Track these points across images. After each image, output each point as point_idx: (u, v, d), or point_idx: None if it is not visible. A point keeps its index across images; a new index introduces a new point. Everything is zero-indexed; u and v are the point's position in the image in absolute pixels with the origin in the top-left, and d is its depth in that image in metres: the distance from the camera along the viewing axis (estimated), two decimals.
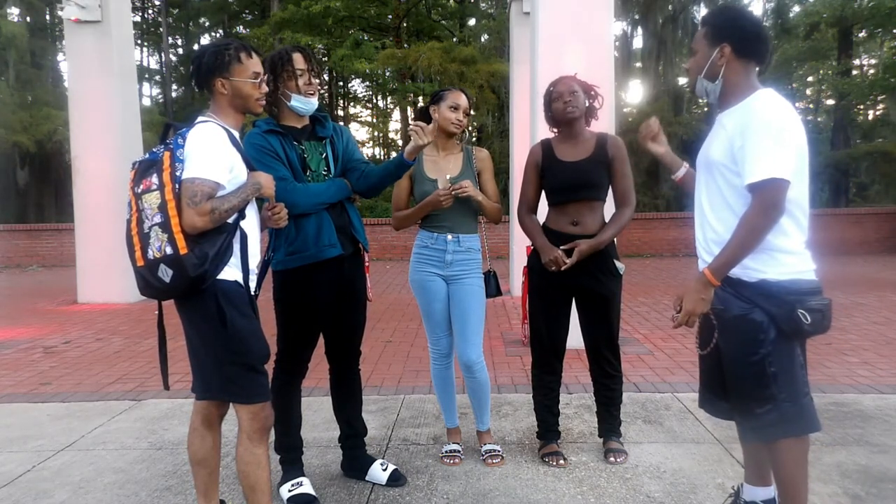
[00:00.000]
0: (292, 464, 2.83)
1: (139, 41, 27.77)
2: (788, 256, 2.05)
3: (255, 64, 2.26)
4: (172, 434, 3.58)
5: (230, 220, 2.17)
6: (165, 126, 2.26)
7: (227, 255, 2.16)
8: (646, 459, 3.12)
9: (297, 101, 2.64)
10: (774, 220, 1.98)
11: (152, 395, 4.30)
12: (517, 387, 4.32)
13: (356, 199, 2.88)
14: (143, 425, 3.74)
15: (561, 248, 2.92)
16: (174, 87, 28.77)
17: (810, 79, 24.30)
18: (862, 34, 19.74)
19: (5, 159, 18.03)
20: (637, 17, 20.09)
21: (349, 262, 2.77)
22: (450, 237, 2.98)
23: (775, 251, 2.05)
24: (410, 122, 2.78)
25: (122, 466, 3.18)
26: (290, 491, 2.72)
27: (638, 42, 21.03)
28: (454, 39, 22.11)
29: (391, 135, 26.40)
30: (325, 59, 19.79)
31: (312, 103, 2.69)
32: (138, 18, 27.92)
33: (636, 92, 22.01)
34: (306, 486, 2.75)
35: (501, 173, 13.82)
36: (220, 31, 28.65)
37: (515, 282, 7.90)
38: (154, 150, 2.18)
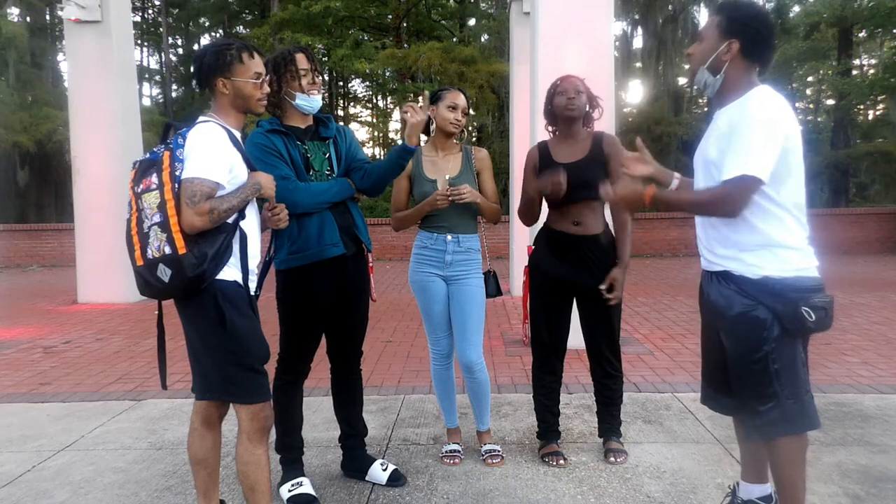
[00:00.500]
0: (292, 464, 2.83)
1: (139, 41, 27.77)
2: (790, 252, 2.05)
3: (256, 64, 2.25)
4: (172, 434, 3.58)
5: (230, 221, 2.17)
6: (166, 126, 2.26)
7: (227, 255, 2.16)
8: (646, 459, 3.12)
9: (301, 100, 2.65)
10: (727, 213, 2.04)
11: (152, 395, 4.30)
12: (517, 387, 4.32)
13: (359, 199, 2.88)
14: (143, 425, 3.74)
15: (601, 287, 2.93)
16: (174, 87, 28.79)
17: (810, 79, 24.30)
18: (862, 34, 19.74)
19: (5, 159, 18.03)
20: (637, 17, 20.10)
21: (352, 261, 2.77)
22: (449, 237, 2.98)
23: (777, 247, 2.05)
24: (402, 104, 2.79)
25: (122, 466, 3.18)
26: (290, 491, 2.72)
27: (638, 42, 21.07)
28: (454, 39, 22.12)
29: (391, 135, 26.39)
30: (325, 59, 19.77)
31: (317, 101, 2.70)
32: (138, 18, 27.93)
33: (636, 92, 22.03)
34: (306, 486, 2.75)
35: (501, 173, 13.83)
36: (220, 31, 28.66)
37: (515, 282, 7.90)
38: (155, 149, 2.18)
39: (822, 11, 17.56)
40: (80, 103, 8.40)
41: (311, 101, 2.67)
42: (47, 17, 23.10)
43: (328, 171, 2.74)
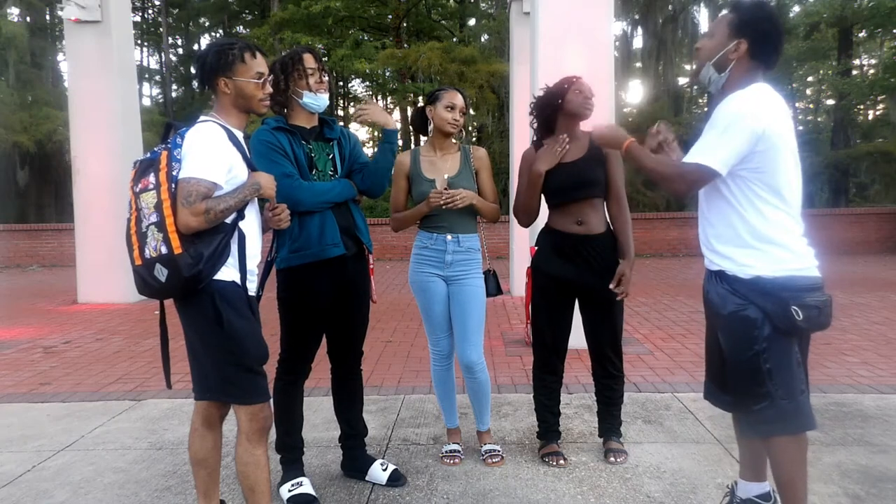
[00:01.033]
0: (292, 464, 2.83)
1: (139, 41, 27.76)
2: (782, 251, 2.06)
3: (258, 64, 2.25)
4: (172, 434, 3.58)
5: (228, 221, 2.17)
6: (167, 125, 2.26)
7: (224, 255, 2.16)
8: (646, 459, 3.12)
9: (308, 98, 2.66)
10: (675, 191, 2.22)
11: (152, 395, 4.30)
12: (517, 387, 4.32)
13: (360, 201, 2.89)
14: (143, 425, 3.74)
15: (611, 285, 2.94)
16: (174, 87, 28.78)
17: (810, 79, 24.31)
18: (862, 34, 19.73)
19: (5, 159, 18.03)
20: (637, 17, 20.10)
21: (353, 262, 2.77)
22: (449, 237, 2.98)
23: (766, 243, 2.07)
24: (356, 112, 2.82)
25: (122, 466, 3.18)
26: (290, 491, 2.72)
27: (638, 42, 21.06)
28: (454, 39, 22.10)
29: None
30: (326, 59, 19.76)
31: (324, 99, 2.72)
32: (138, 18, 27.92)
33: (636, 92, 22.03)
34: (306, 486, 2.75)
35: (501, 173, 13.82)
36: (220, 31, 28.64)
37: (516, 282, 7.90)
38: (155, 149, 2.18)
39: (822, 11, 17.55)
40: (80, 103, 8.40)
41: (318, 99, 2.69)
42: (47, 17, 23.09)
43: (331, 171, 2.75)
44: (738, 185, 2.09)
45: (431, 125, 3.05)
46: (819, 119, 25.78)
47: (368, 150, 25.97)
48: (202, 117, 2.25)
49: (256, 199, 2.30)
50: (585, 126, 3.07)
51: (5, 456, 3.34)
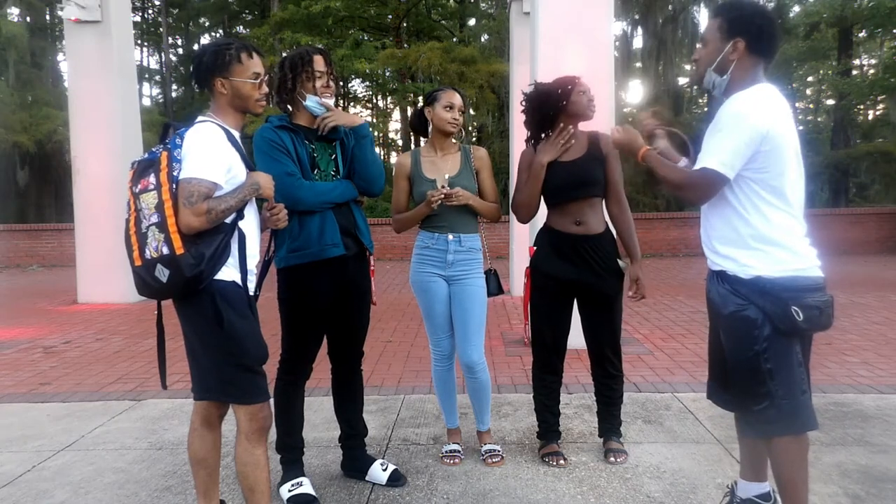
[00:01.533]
0: (292, 464, 2.83)
1: (139, 41, 27.77)
2: (783, 252, 2.06)
3: (255, 64, 2.25)
4: (172, 434, 3.58)
5: (228, 221, 2.17)
6: (165, 126, 2.26)
7: (225, 255, 2.16)
8: (646, 459, 3.12)
9: (311, 102, 2.65)
10: (689, 199, 2.18)
11: (152, 395, 4.30)
12: (517, 387, 4.32)
13: (362, 203, 2.88)
14: (143, 425, 3.74)
15: (629, 293, 3.02)
16: (174, 87, 28.78)
17: (810, 79, 24.32)
18: (862, 34, 19.73)
19: (5, 159, 18.03)
20: (637, 17, 20.08)
21: (353, 262, 2.77)
22: (450, 237, 2.98)
23: (768, 244, 2.07)
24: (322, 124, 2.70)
25: (122, 466, 3.18)
26: (290, 491, 2.72)
27: (638, 42, 21.04)
28: (454, 39, 22.09)
29: (391, 135, 26.40)
30: None
31: (328, 106, 2.70)
32: (138, 18, 27.92)
33: (636, 92, 22.01)
34: (306, 486, 2.75)
35: (501, 173, 13.82)
36: (220, 31, 28.65)
37: (515, 282, 7.90)
38: (153, 149, 2.18)
39: (822, 11, 17.55)
40: (80, 103, 8.40)
41: (321, 104, 2.67)
42: (47, 17, 23.08)
43: (333, 171, 2.75)
44: (741, 187, 2.08)
45: (431, 126, 3.05)
46: (819, 119, 25.78)
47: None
48: (200, 118, 2.26)
49: (254, 198, 2.30)
50: (585, 126, 3.07)
51: (5, 456, 3.34)
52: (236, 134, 2.28)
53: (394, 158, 26.80)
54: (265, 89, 2.30)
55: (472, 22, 24.78)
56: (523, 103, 3.09)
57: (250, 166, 2.31)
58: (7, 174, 18.50)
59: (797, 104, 25.34)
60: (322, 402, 3.91)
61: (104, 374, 4.88)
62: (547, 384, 3.16)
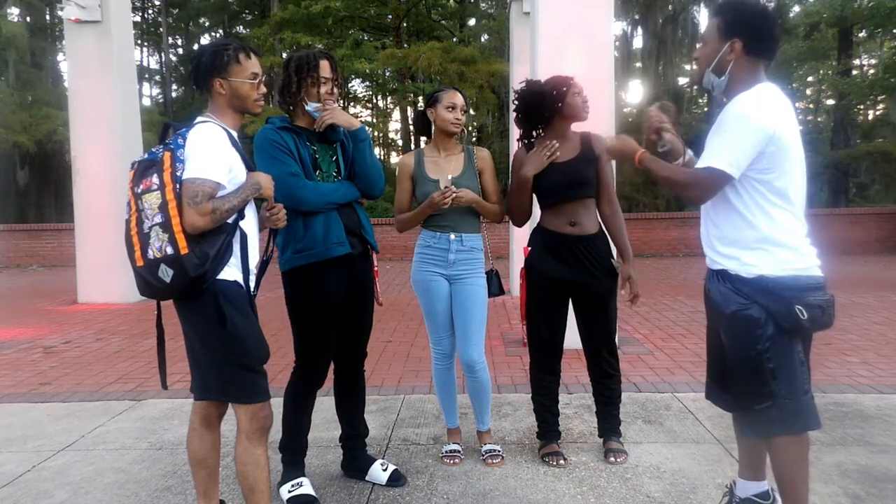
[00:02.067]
0: (294, 464, 2.83)
1: (139, 41, 27.75)
2: (785, 251, 2.06)
3: (253, 64, 2.26)
4: (172, 434, 3.58)
5: (230, 221, 2.17)
6: (164, 126, 2.26)
7: (227, 255, 2.17)
8: (646, 459, 3.12)
9: (313, 108, 2.65)
10: (691, 198, 2.15)
11: (152, 395, 4.30)
12: (517, 387, 4.32)
13: (363, 203, 2.89)
14: (143, 425, 3.74)
15: (621, 292, 3.05)
16: (174, 87, 28.77)
17: (810, 79, 24.31)
18: (862, 34, 19.73)
19: (5, 159, 18.03)
20: (637, 17, 20.09)
21: (359, 261, 2.77)
22: (452, 236, 2.98)
23: (770, 244, 2.06)
24: (317, 124, 2.68)
25: (122, 466, 3.18)
26: (290, 491, 2.72)
27: (638, 42, 21.05)
28: (454, 39, 22.09)
29: (391, 135, 26.39)
30: None
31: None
32: (138, 18, 27.91)
33: (636, 92, 22.02)
34: (306, 487, 2.75)
35: (501, 173, 13.81)
36: (220, 31, 28.64)
37: (515, 282, 7.90)
38: (153, 150, 2.18)
39: (822, 11, 17.55)
40: (80, 103, 8.40)
41: (323, 111, 2.66)
42: (47, 17, 23.08)
43: (335, 173, 2.75)
44: (745, 187, 2.08)
45: (434, 127, 3.05)
46: (819, 119, 25.76)
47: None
48: (200, 118, 2.26)
49: (253, 198, 2.30)
50: (578, 126, 3.07)
51: (5, 456, 3.34)
52: (235, 134, 2.28)
53: (394, 159, 26.80)
54: (263, 89, 2.31)
55: (472, 22, 24.78)
56: (515, 101, 3.09)
57: (250, 166, 2.31)
58: (7, 174, 18.50)
59: (797, 104, 25.31)
60: (322, 402, 3.89)
61: (104, 374, 4.88)
62: (545, 384, 3.16)
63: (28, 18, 22.29)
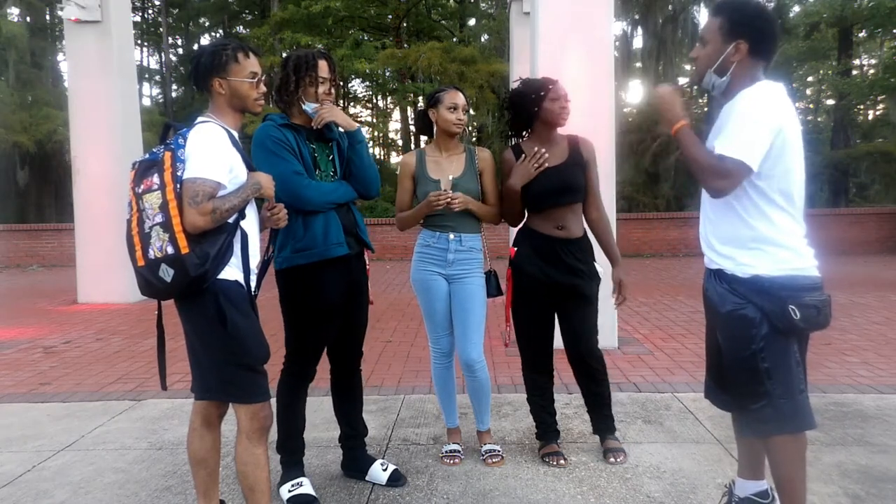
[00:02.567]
0: (292, 464, 2.83)
1: (139, 41, 27.77)
2: (783, 251, 2.06)
3: (252, 64, 2.26)
4: (172, 434, 3.58)
5: (230, 220, 2.17)
6: (165, 126, 2.27)
7: (228, 254, 2.17)
8: (646, 459, 3.12)
9: (310, 108, 2.65)
10: (713, 187, 2.05)
11: (152, 395, 4.30)
12: (517, 387, 4.32)
13: (358, 203, 2.89)
14: (143, 425, 3.74)
15: (613, 296, 3.05)
16: (174, 87, 28.78)
17: (810, 79, 24.32)
18: (862, 34, 19.73)
19: (5, 159, 18.02)
20: (637, 17, 20.07)
21: (355, 261, 2.78)
22: (452, 236, 2.98)
23: (767, 244, 2.06)
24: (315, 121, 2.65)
25: (122, 466, 3.18)
26: (290, 491, 2.72)
27: (638, 42, 21.03)
28: (454, 39, 22.10)
29: (391, 135, 26.40)
30: None
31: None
32: (138, 18, 27.92)
33: (636, 92, 22.01)
34: (306, 487, 2.75)
35: (501, 173, 13.83)
36: (220, 31, 28.65)
37: None
38: (154, 150, 2.18)
39: (822, 11, 17.55)
40: (80, 103, 8.40)
41: (316, 108, 2.66)
42: (47, 17, 23.09)
43: (332, 172, 2.76)
44: (745, 187, 2.06)
45: (435, 127, 3.05)
46: (819, 119, 25.77)
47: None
48: (200, 118, 2.26)
49: (254, 198, 2.31)
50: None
51: (5, 456, 3.34)
52: (235, 134, 2.28)
53: (394, 159, 26.81)
54: (263, 88, 2.31)
55: (472, 22, 24.78)
56: (505, 100, 3.09)
57: (251, 166, 2.31)
58: (7, 174, 18.49)
59: (797, 104, 25.33)
60: (322, 402, 3.90)
61: (104, 374, 4.88)
62: (538, 385, 3.16)
63: (28, 18, 22.29)
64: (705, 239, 2.24)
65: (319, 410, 3.82)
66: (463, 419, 3.45)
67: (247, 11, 28.06)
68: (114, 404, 4.14)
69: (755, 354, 2.06)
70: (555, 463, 3.05)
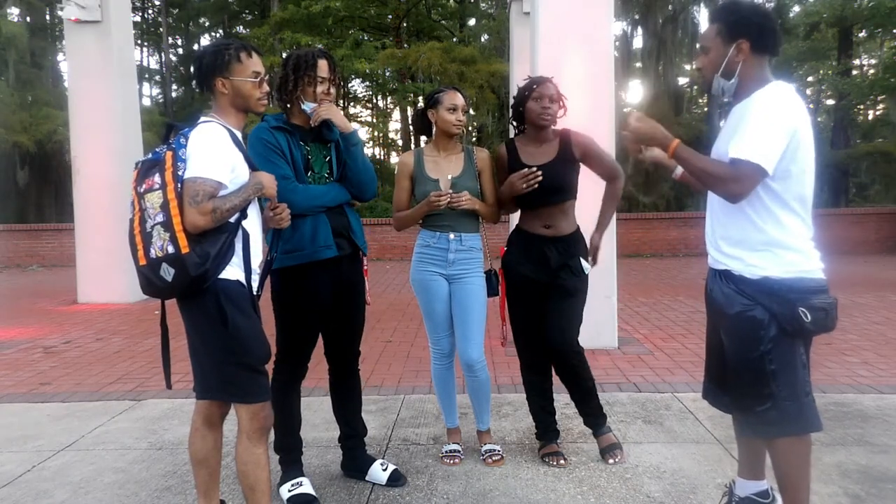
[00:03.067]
0: (292, 464, 2.83)
1: (139, 41, 27.76)
2: (791, 253, 2.05)
3: (254, 63, 2.26)
4: (172, 434, 3.58)
5: (232, 220, 2.17)
6: (168, 126, 2.27)
7: (229, 254, 2.17)
8: (646, 459, 3.12)
9: (309, 107, 2.64)
10: (728, 193, 2.03)
11: (152, 395, 4.30)
12: (517, 387, 4.31)
13: (355, 204, 2.89)
14: (143, 425, 3.74)
15: (590, 262, 3.05)
16: (174, 87, 28.79)
17: (810, 79, 24.29)
18: (862, 34, 19.73)
19: (5, 159, 18.01)
20: (637, 17, 20.07)
21: (347, 263, 2.77)
22: (452, 236, 2.98)
23: (776, 247, 2.05)
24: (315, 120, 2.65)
25: (122, 466, 3.18)
26: (290, 491, 2.72)
27: (638, 42, 21.03)
28: (454, 39, 22.10)
29: (391, 135, 26.39)
30: None
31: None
32: (138, 18, 27.91)
33: (636, 92, 22.01)
34: (306, 486, 2.75)
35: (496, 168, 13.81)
36: (220, 31, 28.65)
37: None
38: (157, 149, 2.19)
39: (822, 11, 17.55)
40: (80, 103, 8.40)
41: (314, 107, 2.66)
42: (47, 17, 23.08)
43: (327, 174, 2.75)
44: (756, 190, 2.03)
45: (434, 127, 3.05)
46: (819, 119, 25.75)
47: (368, 151, 25.99)
48: (203, 118, 2.26)
49: (257, 198, 2.31)
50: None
51: (5, 456, 3.34)
52: (239, 134, 2.29)
53: (394, 159, 26.79)
54: (266, 88, 2.31)
55: (472, 22, 24.79)
56: (513, 98, 3.14)
57: (253, 166, 2.31)
58: (7, 174, 18.48)
59: None
60: (322, 402, 3.90)
61: (104, 374, 4.88)
62: (536, 384, 3.17)
63: (28, 18, 22.29)
64: (712, 239, 2.22)
65: (319, 410, 3.83)
66: (463, 419, 3.45)
67: (247, 11, 28.06)
68: (114, 404, 4.14)
69: (763, 356, 2.05)
70: (555, 463, 3.05)
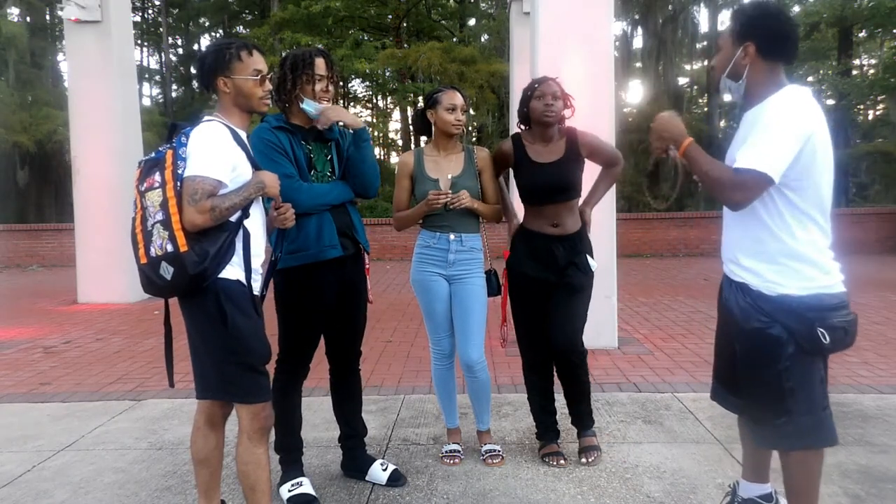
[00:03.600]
0: (292, 464, 2.83)
1: (139, 41, 27.77)
2: (809, 268, 2.00)
3: (256, 61, 2.26)
4: (172, 434, 3.58)
5: (233, 219, 2.17)
6: (171, 125, 2.27)
7: (229, 253, 2.17)
8: (646, 459, 3.12)
9: (308, 105, 2.64)
10: (730, 200, 1.99)
11: (152, 395, 4.30)
12: (517, 387, 4.32)
13: (357, 203, 2.88)
14: (143, 425, 3.74)
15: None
16: (174, 87, 28.80)
17: (810, 79, 24.28)
18: (862, 34, 19.72)
19: (5, 159, 18.03)
20: (637, 17, 20.09)
21: (350, 262, 2.78)
22: (452, 236, 2.98)
23: (794, 259, 2.00)
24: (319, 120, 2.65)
25: (122, 466, 3.18)
26: (290, 491, 2.72)
27: (638, 42, 21.05)
28: (454, 39, 22.11)
29: (391, 135, 26.40)
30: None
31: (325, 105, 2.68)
32: (138, 18, 27.92)
33: (636, 92, 22.02)
34: (306, 486, 2.75)
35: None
36: (220, 31, 28.66)
37: None
38: (159, 148, 2.19)
39: (822, 11, 17.55)
40: (80, 103, 8.40)
41: (317, 108, 2.66)
42: (47, 17, 23.09)
43: (329, 172, 2.75)
44: (773, 198, 1.99)
45: (434, 128, 3.05)
46: None
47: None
48: (206, 117, 2.26)
49: (261, 198, 2.30)
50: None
51: (5, 456, 3.34)
52: (243, 134, 2.28)
53: (394, 159, 26.80)
54: (268, 86, 2.31)
55: (472, 22, 24.79)
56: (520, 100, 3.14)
57: (256, 166, 2.31)
58: (7, 174, 18.49)
59: None
60: (322, 402, 3.90)
61: (104, 374, 4.88)
62: (538, 384, 3.17)
63: (28, 18, 22.29)
64: (728, 250, 2.17)
65: (319, 410, 3.83)
66: (463, 419, 3.45)
67: (247, 11, 28.07)
68: (114, 404, 4.14)
69: (780, 374, 2.01)
70: (555, 463, 3.05)
